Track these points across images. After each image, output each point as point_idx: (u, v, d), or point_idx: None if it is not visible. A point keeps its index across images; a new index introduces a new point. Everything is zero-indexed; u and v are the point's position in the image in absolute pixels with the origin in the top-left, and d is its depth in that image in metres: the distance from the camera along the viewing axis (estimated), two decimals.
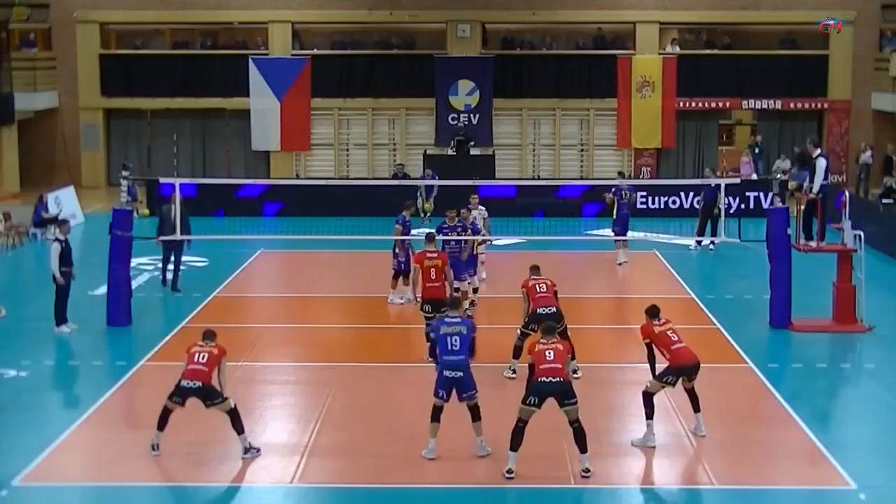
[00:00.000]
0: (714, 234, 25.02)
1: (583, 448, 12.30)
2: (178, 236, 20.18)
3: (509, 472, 12.16)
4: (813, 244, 19.04)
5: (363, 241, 23.75)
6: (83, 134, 36.78)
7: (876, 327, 18.41)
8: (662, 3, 36.06)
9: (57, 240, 18.61)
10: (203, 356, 12.92)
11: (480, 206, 21.74)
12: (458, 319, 13.15)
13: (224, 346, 13.15)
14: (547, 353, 12.42)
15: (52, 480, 12.34)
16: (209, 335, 13.22)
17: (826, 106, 36.08)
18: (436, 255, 16.64)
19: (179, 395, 12.85)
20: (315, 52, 37.06)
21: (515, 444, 12.20)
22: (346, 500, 12.03)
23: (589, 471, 12.22)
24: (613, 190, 23.67)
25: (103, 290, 19.15)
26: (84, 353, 17.28)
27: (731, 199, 24.85)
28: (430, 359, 15.43)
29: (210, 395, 12.86)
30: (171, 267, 21.39)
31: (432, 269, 16.36)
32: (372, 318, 19.39)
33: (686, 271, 23.18)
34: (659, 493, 12.23)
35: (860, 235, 18.97)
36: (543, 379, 12.28)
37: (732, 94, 36.08)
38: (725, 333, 18.25)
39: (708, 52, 37.66)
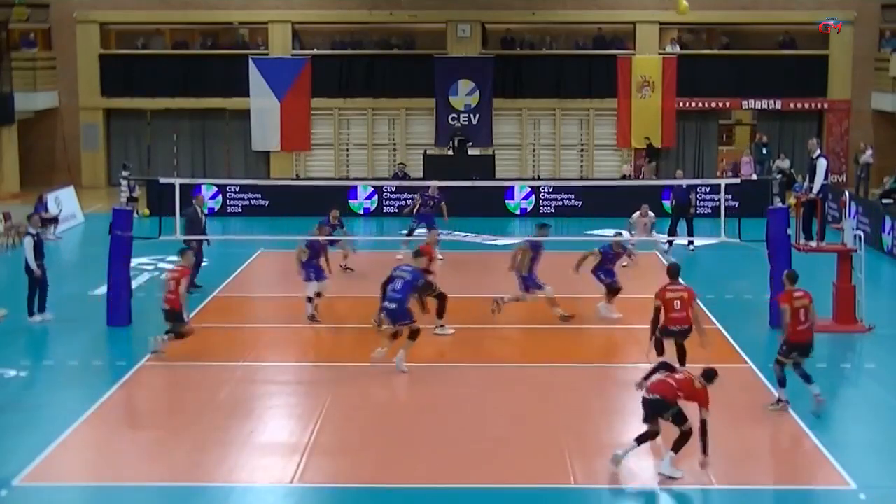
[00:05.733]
0: (689, 233, 25.05)
1: (808, 380, 14.23)
2: (200, 237, 21.05)
3: (787, 402, 14.25)
4: (813, 244, 19.04)
5: (363, 241, 23.75)
6: (83, 134, 36.81)
7: (876, 327, 18.41)
8: (662, 3, 36.05)
9: (28, 233, 19.06)
10: None
11: (651, 213, 22.54)
12: (409, 269, 16.38)
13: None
14: (801, 312, 14.15)
15: (52, 480, 12.33)
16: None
17: (826, 106, 36.11)
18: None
19: None
20: (315, 52, 37.08)
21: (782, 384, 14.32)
22: (346, 500, 12.03)
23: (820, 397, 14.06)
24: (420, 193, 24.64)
25: (103, 290, 19.15)
26: (84, 353, 17.27)
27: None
28: None
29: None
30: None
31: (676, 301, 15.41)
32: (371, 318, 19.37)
33: (686, 271, 23.08)
34: (659, 494, 12.22)
35: (860, 235, 18.96)
36: (799, 341, 14.19)
37: (732, 94, 36.11)
38: (725, 333, 18.24)
39: (708, 52, 37.70)
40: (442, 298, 18.08)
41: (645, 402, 12.35)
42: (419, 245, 18.60)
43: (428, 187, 24.64)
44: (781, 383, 14.30)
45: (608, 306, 19.16)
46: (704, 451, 12.14)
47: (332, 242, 22.51)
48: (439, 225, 24.18)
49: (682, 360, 15.12)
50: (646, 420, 12.36)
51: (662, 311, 15.05)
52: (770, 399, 14.74)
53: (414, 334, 16.08)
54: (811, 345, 14.36)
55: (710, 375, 12.31)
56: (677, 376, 12.45)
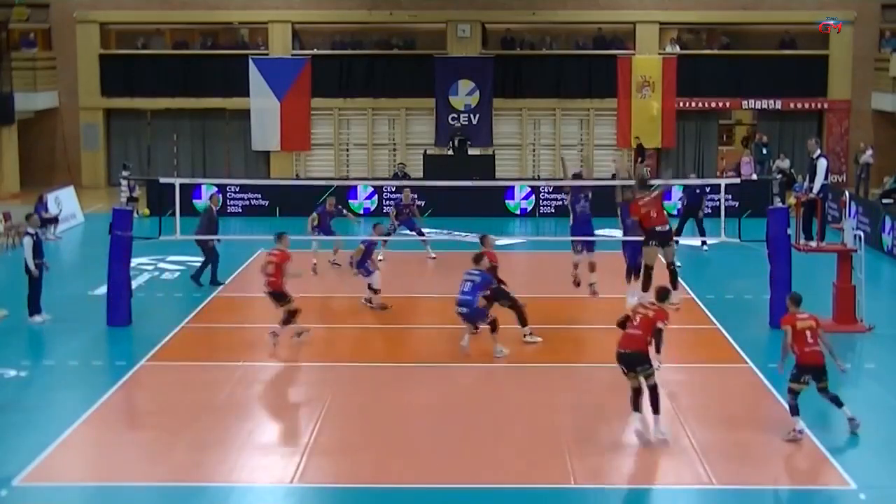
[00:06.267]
0: (702, 234, 25.10)
1: (839, 404, 13.52)
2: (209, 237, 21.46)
3: (800, 431, 13.29)
4: (813, 244, 19.03)
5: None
6: (83, 134, 36.80)
7: (876, 327, 18.40)
8: (662, 3, 36.07)
9: (27, 233, 19.14)
10: None
11: None
12: (477, 272, 16.67)
13: None
14: (807, 333, 13.34)
15: (52, 480, 12.34)
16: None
17: (826, 106, 36.10)
18: None
19: None
20: (315, 52, 37.07)
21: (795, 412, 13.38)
22: (346, 500, 12.03)
23: (854, 419, 13.47)
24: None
25: (103, 290, 19.15)
26: (84, 353, 17.27)
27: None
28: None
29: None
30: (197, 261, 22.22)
31: None
32: (372, 318, 19.39)
33: (686, 271, 23.15)
34: (659, 493, 12.24)
35: (860, 235, 18.95)
36: (809, 363, 13.30)
37: (732, 94, 36.10)
38: (725, 333, 18.24)
39: (708, 52, 37.69)
40: (516, 306, 17.59)
41: (620, 356, 13.36)
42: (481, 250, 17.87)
43: (400, 197, 24.65)
44: (794, 411, 13.43)
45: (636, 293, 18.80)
46: (658, 350, 13.47)
47: (327, 234, 22.79)
48: (418, 224, 24.30)
49: (674, 285, 17.38)
50: (626, 373, 13.41)
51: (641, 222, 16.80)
52: (770, 402, 14.75)
53: (494, 326, 16.62)
54: (824, 368, 13.39)
55: (661, 296, 13.69)
56: (636, 321, 13.34)
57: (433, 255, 24.32)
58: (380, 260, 23.86)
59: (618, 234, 22.85)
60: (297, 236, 22.84)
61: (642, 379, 13.24)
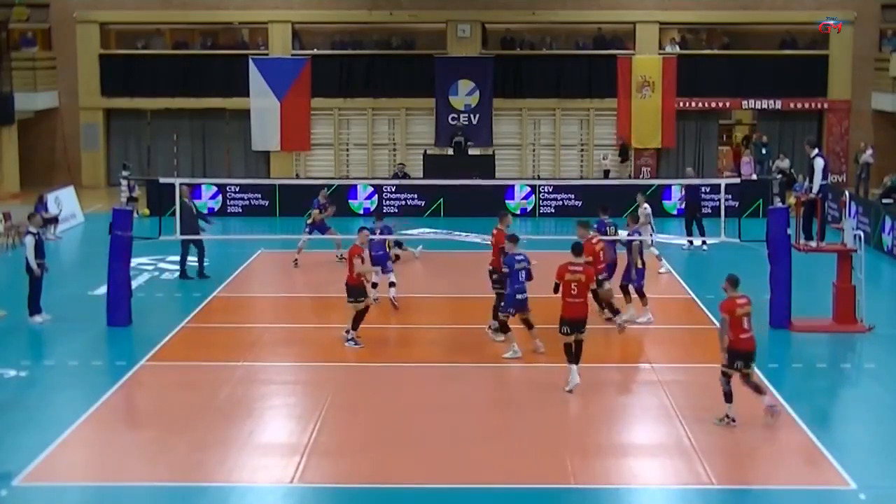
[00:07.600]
0: (702, 233, 25.05)
1: (761, 391, 13.88)
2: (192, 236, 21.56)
3: (733, 419, 13.72)
4: (813, 244, 19.03)
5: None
6: (83, 134, 36.81)
7: (876, 327, 18.40)
8: (662, 3, 36.07)
9: (29, 232, 19.14)
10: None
11: (646, 204, 22.40)
12: (522, 257, 16.72)
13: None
14: (744, 320, 13.63)
15: (52, 480, 12.34)
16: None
17: (826, 106, 36.11)
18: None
19: None
20: (315, 52, 37.08)
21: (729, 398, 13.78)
22: (346, 500, 12.03)
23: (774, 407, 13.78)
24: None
25: (103, 290, 19.16)
26: (84, 353, 17.27)
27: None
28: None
29: None
30: (191, 260, 22.34)
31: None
32: (372, 318, 19.36)
33: (686, 271, 23.19)
34: (659, 493, 12.23)
35: (860, 235, 18.95)
36: (742, 349, 13.60)
37: (732, 94, 36.11)
38: None
39: (708, 52, 37.70)
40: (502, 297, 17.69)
41: (570, 322, 15.13)
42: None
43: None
44: (728, 398, 13.68)
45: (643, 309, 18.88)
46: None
47: (322, 231, 22.77)
48: (424, 224, 24.37)
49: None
50: (568, 333, 15.18)
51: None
52: (769, 401, 14.75)
53: (531, 325, 16.96)
54: (754, 353, 13.71)
55: (575, 250, 15.45)
56: (575, 291, 15.11)
57: (419, 250, 24.30)
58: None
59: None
60: (297, 235, 22.96)
61: (578, 336, 15.15)
